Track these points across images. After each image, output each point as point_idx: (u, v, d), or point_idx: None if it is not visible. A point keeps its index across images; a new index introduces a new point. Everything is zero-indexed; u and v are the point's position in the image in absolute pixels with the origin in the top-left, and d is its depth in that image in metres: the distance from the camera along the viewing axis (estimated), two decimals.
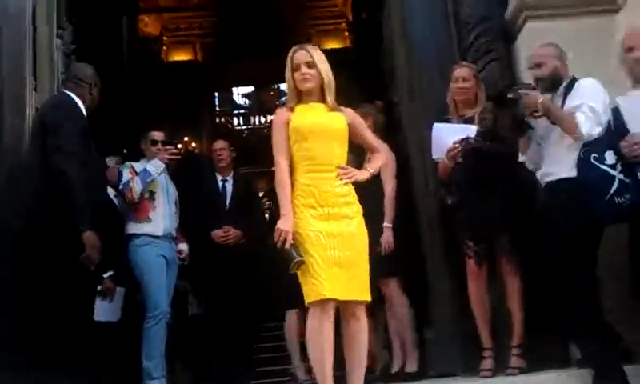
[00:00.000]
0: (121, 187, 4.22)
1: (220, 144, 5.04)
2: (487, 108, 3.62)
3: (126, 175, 4.22)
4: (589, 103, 3.01)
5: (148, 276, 4.11)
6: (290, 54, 2.96)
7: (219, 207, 4.77)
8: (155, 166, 4.21)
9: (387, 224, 3.93)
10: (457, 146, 3.48)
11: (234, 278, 4.64)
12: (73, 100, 3.64)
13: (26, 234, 3.45)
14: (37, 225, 3.37)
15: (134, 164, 4.32)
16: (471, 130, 3.53)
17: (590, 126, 2.98)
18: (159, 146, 4.36)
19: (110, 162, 4.47)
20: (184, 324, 4.81)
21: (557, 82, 3.20)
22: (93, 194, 3.45)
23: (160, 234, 4.21)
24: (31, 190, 3.47)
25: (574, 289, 2.99)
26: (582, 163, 2.97)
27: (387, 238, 3.88)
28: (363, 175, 2.95)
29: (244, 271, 4.70)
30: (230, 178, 4.89)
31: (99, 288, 4.09)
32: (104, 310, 4.18)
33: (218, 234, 4.65)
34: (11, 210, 3.56)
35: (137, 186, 4.14)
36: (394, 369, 4.07)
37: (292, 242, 2.75)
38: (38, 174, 3.46)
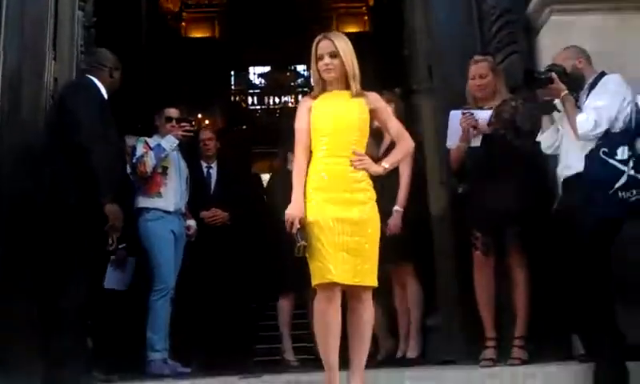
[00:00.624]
0: (134, 161, 4.26)
1: (207, 134, 5.18)
2: (507, 100, 3.62)
3: (140, 149, 4.27)
4: (595, 102, 3.05)
5: (156, 250, 4.17)
6: (314, 43, 2.97)
7: (205, 192, 4.92)
8: (169, 142, 4.26)
9: (398, 208, 3.94)
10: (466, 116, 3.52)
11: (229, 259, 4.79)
12: (93, 82, 3.71)
13: (47, 207, 3.51)
14: (59, 199, 3.45)
15: (148, 139, 4.35)
16: (487, 114, 3.57)
17: (588, 126, 3.03)
18: (173, 123, 4.39)
19: (130, 141, 4.50)
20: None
21: (577, 80, 3.22)
22: (114, 169, 3.50)
23: (171, 209, 4.27)
24: (53, 167, 3.54)
25: (585, 282, 3.00)
26: (590, 157, 3.01)
27: (395, 221, 3.89)
28: (377, 169, 2.94)
29: (238, 253, 4.85)
30: (214, 165, 5.02)
31: (112, 258, 4.14)
32: (114, 279, 4.25)
33: (206, 214, 4.75)
34: (31, 183, 3.60)
35: (150, 161, 4.19)
36: (399, 354, 4.11)
37: (299, 226, 2.77)
38: (59, 152, 3.52)
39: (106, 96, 3.71)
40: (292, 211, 2.81)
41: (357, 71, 2.94)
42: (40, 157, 3.62)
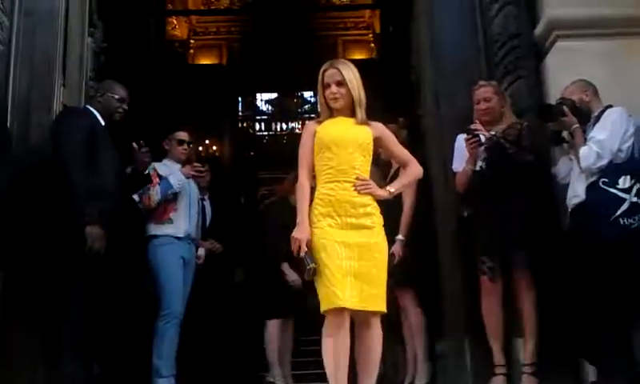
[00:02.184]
0: (140, 191, 4.24)
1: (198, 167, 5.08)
2: (513, 124, 3.63)
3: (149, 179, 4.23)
4: (597, 136, 3.16)
5: (165, 276, 4.13)
6: (321, 71, 2.99)
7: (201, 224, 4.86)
8: (178, 180, 4.23)
9: (400, 237, 3.93)
10: (470, 137, 3.54)
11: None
12: (87, 110, 3.73)
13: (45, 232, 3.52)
14: (53, 223, 3.47)
15: (157, 165, 4.34)
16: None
17: (591, 159, 3.14)
18: (185, 146, 4.40)
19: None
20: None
21: (585, 113, 3.31)
22: (101, 193, 3.50)
23: (181, 235, 4.24)
24: (47, 192, 3.56)
25: (595, 308, 3.02)
26: (591, 187, 3.13)
27: (396, 250, 3.86)
28: (382, 193, 2.94)
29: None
30: (207, 198, 4.97)
31: None
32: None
33: (206, 245, 4.71)
34: (38, 208, 3.60)
35: (155, 196, 4.16)
36: (407, 381, 4.06)
37: (306, 249, 2.77)
38: (52, 177, 3.55)
39: (102, 122, 3.71)
40: (298, 234, 2.80)
41: (363, 99, 2.96)
42: (46, 182, 3.63)
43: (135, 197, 4.32)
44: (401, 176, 3.11)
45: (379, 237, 2.88)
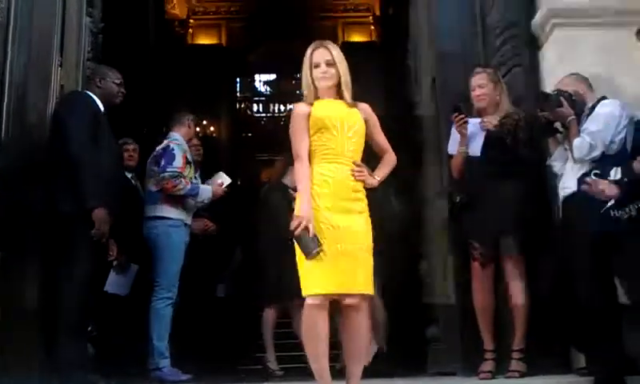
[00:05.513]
0: (169, 170, 4.21)
1: (195, 141, 4.98)
2: (510, 113, 3.65)
3: (179, 161, 4.24)
4: (590, 128, 3.20)
5: (172, 257, 4.18)
6: (308, 51, 2.99)
7: None
8: (205, 196, 4.35)
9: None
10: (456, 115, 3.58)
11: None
12: (86, 95, 3.74)
13: (46, 215, 3.54)
14: (55, 207, 3.49)
15: (183, 145, 4.37)
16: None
17: (583, 150, 3.19)
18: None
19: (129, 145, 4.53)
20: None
21: (578, 106, 3.33)
22: (105, 176, 3.52)
23: (188, 222, 4.32)
24: (51, 175, 3.57)
25: (585, 298, 3.05)
26: (583, 178, 3.13)
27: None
28: (373, 182, 2.94)
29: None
30: (197, 176, 4.82)
31: (115, 263, 4.18)
32: (116, 284, 4.27)
33: (199, 225, 4.63)
34: (36, 190, 3.61)
35: (181, 191, 4.20)
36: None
37: (313, 232, 2.74)
38: (56, 161, 3.55)
39: (101, 108, 3.72)
40: (304, 213, 2.76)
41: (349, 80, 2.97)
42: (43, 164, 3.64)
43: (154, 168, 4.30)
44: (382, 165, 3.07)
45: (367, 223, 2.89)
